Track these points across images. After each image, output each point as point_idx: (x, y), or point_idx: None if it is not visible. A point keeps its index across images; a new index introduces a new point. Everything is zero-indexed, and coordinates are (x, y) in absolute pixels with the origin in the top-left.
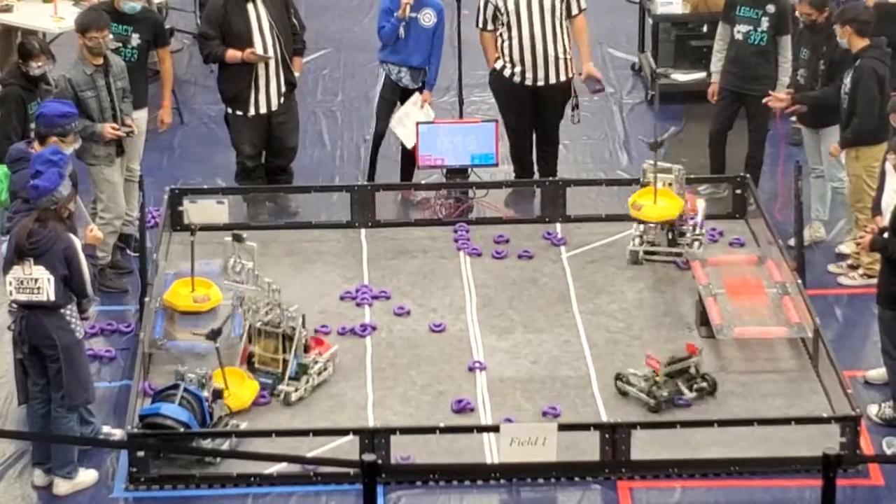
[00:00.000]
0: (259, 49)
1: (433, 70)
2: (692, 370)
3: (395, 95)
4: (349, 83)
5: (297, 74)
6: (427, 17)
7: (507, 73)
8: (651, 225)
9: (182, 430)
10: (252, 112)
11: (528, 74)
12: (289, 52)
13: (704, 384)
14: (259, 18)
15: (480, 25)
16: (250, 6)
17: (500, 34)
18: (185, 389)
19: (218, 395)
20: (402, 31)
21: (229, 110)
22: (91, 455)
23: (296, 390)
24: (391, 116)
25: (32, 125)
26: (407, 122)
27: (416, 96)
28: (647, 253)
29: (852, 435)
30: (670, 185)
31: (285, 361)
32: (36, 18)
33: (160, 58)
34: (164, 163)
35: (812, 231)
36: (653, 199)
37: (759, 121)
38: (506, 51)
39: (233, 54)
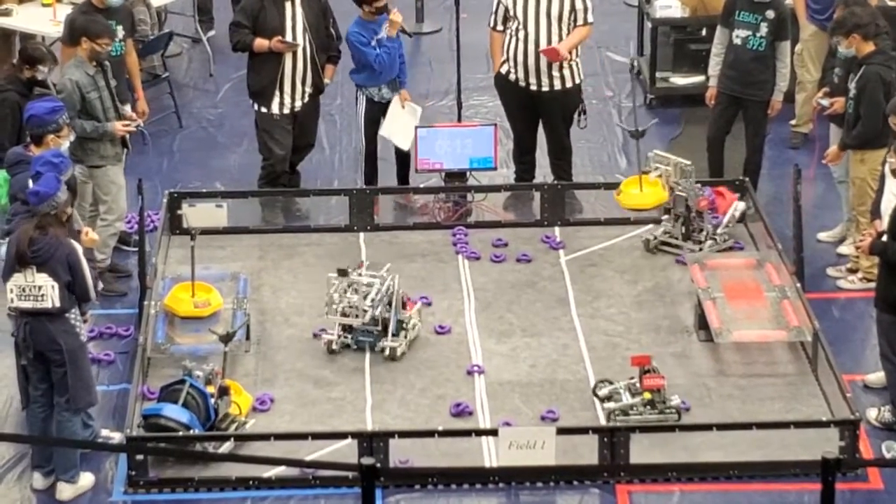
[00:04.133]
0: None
1: (403, 68)
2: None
3: (380, 113)
4: (348, 87)
5: (327, 81)
6: (391, 29)
7: (511, 76)
8: (667, 217)
9: (181, 432)
10: (277, 110)
11: (532, 79)
12: (321, 58)
13: (673, 414)
14: (294, 18)
15: (492, 25)
16: (288, 5)
17: (510, 36)
18: (191, 385)
19: (224, 391)
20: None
21: (256, 107)
22: (89, 458)
23: (399, 345)
24: (376, 131)
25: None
26: (395, 126)
27: (395, 99)
28: (662, 243)
29: (851, 439)
30: (661, 176)
31: (384, 320)
32: (35, 22)
33: (127, 49)
34: (164, 166)
35: (844, 229)
36: (639, 186)
37: (758, 125)
38: (510, 53)
39: (261, 43)
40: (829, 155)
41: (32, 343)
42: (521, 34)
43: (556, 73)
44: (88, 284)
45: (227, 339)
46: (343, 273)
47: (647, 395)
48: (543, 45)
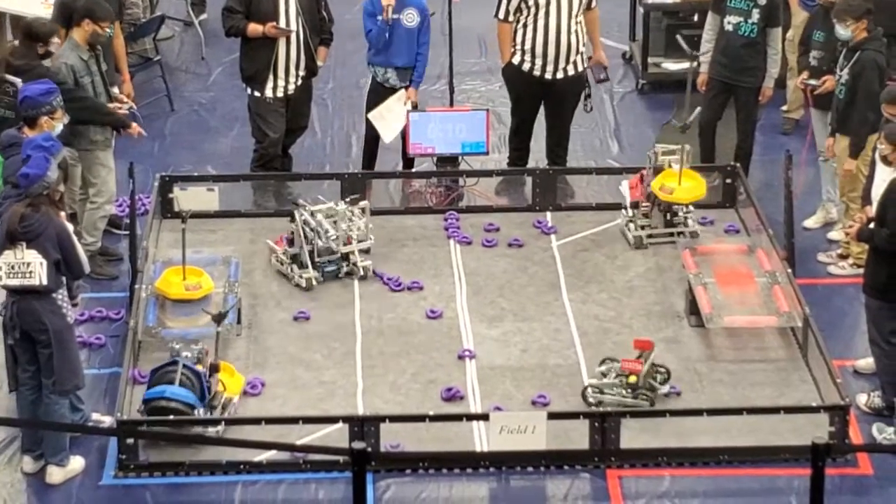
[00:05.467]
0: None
1: (420, 69)
2: (654, 367)
3: (382, 97)
4: (340, 71)
5: (320, 64)
6: (409, 18)
7: (525, 66)
8: (645, 207)
9: (188, 410)
10: (270, 94)
11: (549, 67)
12: (314, 42)
13: (662, 369)
14: (287, 2)
15: (502, 16)
16: None
17: (523, 26)
18: (184, 366)
19: (215, 369)
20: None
21: (249, 91)
22: (79, 442)
23: (366, 261)
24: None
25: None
26: (388, 115)
27: (401, 92)
28: (650, 236)
29: (841, 424)
30: (676, 163)
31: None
32: (25, 4)
33: (115, 32)
34: (155, 150)
35: (825, 213)
36: (677, 181)
37: (749, 111)
38: (528, 44)
39: (254, 28)
40: (829, 150)
41: (19, 322)
42: (542, 22)
43: (571, 62)
44: (81, 258)
45: (219, 318)
46: (298, 205)
47: (633, 379)
48: (563, 31)
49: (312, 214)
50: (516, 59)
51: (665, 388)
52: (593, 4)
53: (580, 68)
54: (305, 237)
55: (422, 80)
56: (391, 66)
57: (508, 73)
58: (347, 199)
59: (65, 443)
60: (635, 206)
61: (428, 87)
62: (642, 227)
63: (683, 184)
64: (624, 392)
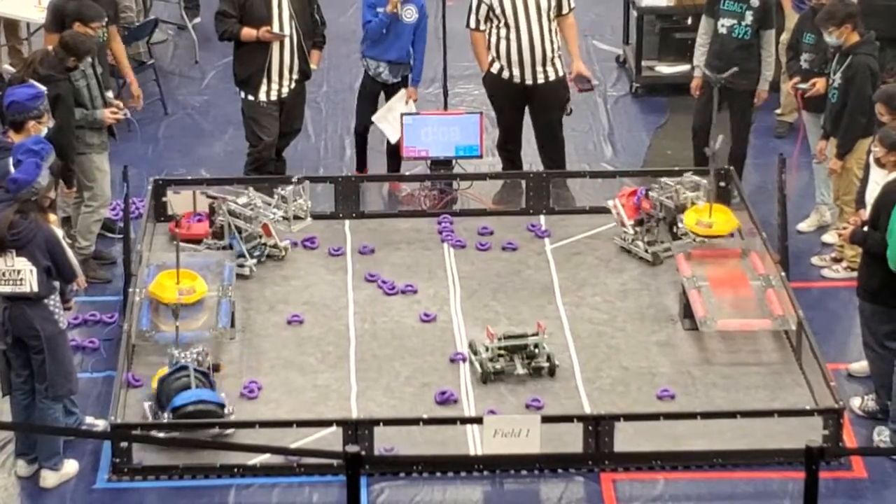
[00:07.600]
0: None
1: (418, 66)
2: (533, 347)
3: (373, 90)
4: (333, 74)
5: (313, 67)
6: (409, 13)
7: (504, 74)
8: (649, 224)
9: (220, 411)
10: (264, 98)
11: (528, 73)
12: (307, 45)
13: (545, 364)
14: (280, 6)
15: (472, 25)
16: None
17: (496, 34)
18: (194, 370)
19: (216, 368)
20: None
21: (242, 95)
22: (73, 446)
23: (285, 244)
24: (371, 111)
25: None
26: (391, 117)
27: (402, 92)
28: (665, 250)
29: (835, 427)
30: (699, 199)
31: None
32: (19, 8)
33: (111, 35)
34: (149, 153)
35: (819, 215)
36: (708, 214)
37: (743, 114)
38: (502, 52)
39: (248, 32)
40: (821, 153)
41: (11, 328)
42: (513, 31)
43: (549, 66)
44: (74, 265)
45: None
46: (215, 198)
47: (500, 349)
48: (536, 39)
49: (247, 202)
50: (495, 68)
51: (521, 371)
52: (565, 10)
53: (560, 72)
54: (237, 228)
55: (420, 78)
56: (384, 60)
57: (489, 81)
58: (294, 179)
59: (58, 447)
60: (640, 223)
61: (422, 91)
62: (650, 244)
63: (715, 217)
64: (483, 355)
